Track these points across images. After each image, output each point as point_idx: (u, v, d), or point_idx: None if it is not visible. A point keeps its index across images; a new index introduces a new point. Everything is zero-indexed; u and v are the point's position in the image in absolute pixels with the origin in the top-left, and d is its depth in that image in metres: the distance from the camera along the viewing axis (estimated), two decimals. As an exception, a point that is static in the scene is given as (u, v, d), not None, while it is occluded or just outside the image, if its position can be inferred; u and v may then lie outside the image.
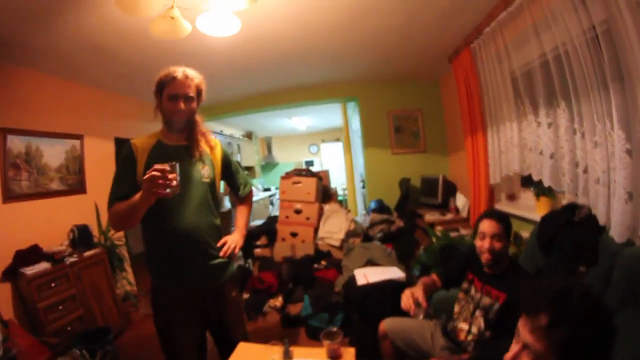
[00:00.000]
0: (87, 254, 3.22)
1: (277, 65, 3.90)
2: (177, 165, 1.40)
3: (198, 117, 1.77)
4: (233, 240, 1.84)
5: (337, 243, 3.85)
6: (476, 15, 2.91)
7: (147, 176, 1.34)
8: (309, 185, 4.19)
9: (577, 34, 1.92)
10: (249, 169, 8.76)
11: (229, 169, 1.94)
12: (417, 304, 1.77)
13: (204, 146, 1.81)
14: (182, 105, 1.63)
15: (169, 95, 1.62)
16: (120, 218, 1.54)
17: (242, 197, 2.05)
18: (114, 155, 4.10)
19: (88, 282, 3.14)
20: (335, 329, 1.77)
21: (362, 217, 4.60)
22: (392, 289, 2.59)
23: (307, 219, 4.10)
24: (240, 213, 2.04)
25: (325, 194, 4.41)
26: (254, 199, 7.23)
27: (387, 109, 5.21)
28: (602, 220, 1.86)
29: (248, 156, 8.60)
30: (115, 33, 2.66)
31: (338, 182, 8.45)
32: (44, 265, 2.87)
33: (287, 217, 4.15)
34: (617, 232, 1.74)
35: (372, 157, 5.27)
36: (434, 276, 2.10)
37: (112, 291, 3.36)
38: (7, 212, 2.93)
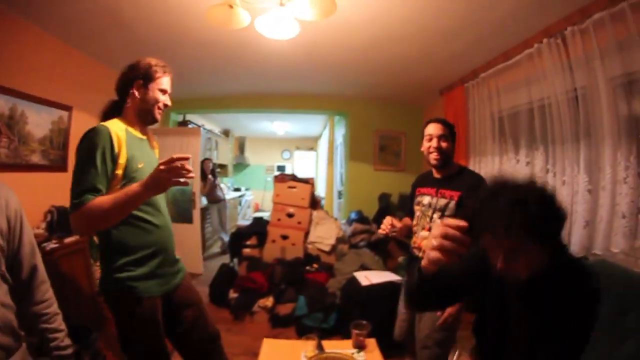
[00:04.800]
0: (69, 240, 2.88)
1: (281, 70, 4.07)
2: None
3: None
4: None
5: (327, 248, 4.06)
6: (476, 61, 3.37)
7: (167, 166, 1.29)
8: (304, 191, 4.39)
9: (561, 91, 2.44)
10: (222, 167, 8.77)
11: None
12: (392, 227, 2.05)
13: (156, 145, 1.89)
14: (169, 101, 1.70)
15: (161, 88, 1.65)
16: (102, 215, 1.36)
17: None
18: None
19: (67, 272, 2.83)
20: (364, 321, 1.95)
21: (343, 225, 4.84)
22: (392, 289, 2.86)
23: (299, 223, 4.28)
24: None
25: (313, 201, 4.61)
26: (227, 197, 7.26)
27: (374, 127, 5.53)
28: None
29: (223, 154, 8.61)
30: (141, 4, 2.56)
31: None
32: None
33: (279, 219, 4.30)
34: (574, 252, 2.24)
35: (355, 171, 5.56)
36: (405, 219, 2.30)
37: (91, 284, 3.02)
38: None
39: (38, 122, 3.03)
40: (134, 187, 1.37)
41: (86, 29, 3.00)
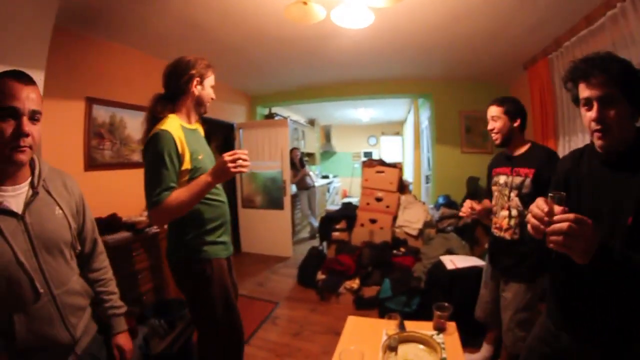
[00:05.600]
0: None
1: (364, 57, 4.11)
2: None
3: None
4: None
5: (414, 232, 4.06)
6: (558, 28, 3.10)
7: (231, 157, 1.54)
8: (392, 175, 4.41)
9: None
10: (310, 155, 9.05)
11: None
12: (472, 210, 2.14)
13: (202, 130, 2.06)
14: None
15: (211, 84, 1.86)
16: (181, 205, 1.58)
17: None
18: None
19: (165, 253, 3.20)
20: (446, 303, 1.97)
21: (430, 210, 4.78)
22: (477, 273, 2.80)
23: (387, 207, 4.32)
24: None
25: (401, 186, 4.61)
26: (316, 184, 7.52)
27: (459, 108, 5.33)
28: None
29: (310, 143, 8.89)
30: (216, 11, 2.78)
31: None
32: (124, 234, 2.91)
33: (368, 204, 4.38)
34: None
35: (442, 154, 5.42)
36: (485, 201, 2.36)
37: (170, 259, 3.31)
38: (88, 180, 3.05)
39: (135, 126, 3.48)
40: (203, 178, 1.60)
41: (169, 41, 3.37)
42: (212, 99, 1.88)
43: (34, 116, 1.08)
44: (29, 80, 1.08)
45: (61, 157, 2.84)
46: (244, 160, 1.56)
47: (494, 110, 2.12)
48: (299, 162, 6.55)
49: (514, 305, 2.06)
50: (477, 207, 2.14)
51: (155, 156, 1.60)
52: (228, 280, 1.87)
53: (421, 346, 1.77)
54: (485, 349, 2.52)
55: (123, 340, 1.45)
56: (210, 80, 1.85)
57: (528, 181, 1.98)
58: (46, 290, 1.12)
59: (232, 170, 1.55)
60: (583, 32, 2.83)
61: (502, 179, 2.13)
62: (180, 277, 1.84)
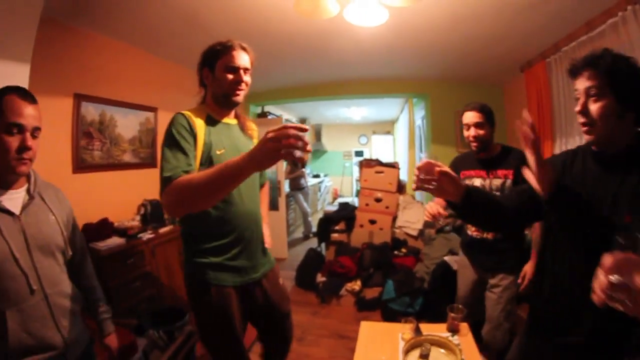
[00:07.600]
0: (163, 230, 3.14)
1: (363, 57, 4.05)
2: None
3: None
4: (268, 230, 1.87)
5: (414, 233, 4.03)
6: (558, 33, 3.11)
7: (278, 133, 0.97)
8: (391, 176, 4.35)
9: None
10: (301, 154, 9.00)
11: None
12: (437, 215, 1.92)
13: (251, 128, 1.78)
14: (242, 76, 1.54)
15: (228, 66, 1.51)
16: (193, 187, 1.17)
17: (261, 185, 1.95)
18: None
19: (162, 260, 3.05)
20: (460, 305, 2.00)
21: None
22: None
23: (387, 207, 4.27)
24: (264, 203, 1.95)
25: (399, 186, 4.57)
26: (309, 183, 7.44)
27: (455, 108, 5.32)
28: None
29: (301, 142, 8.82)
30: (214, 4, 2.62)
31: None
32: (117, 241, 2.74)
33: (367, 204, 4.32)
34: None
35: (437, 153, 5.38)
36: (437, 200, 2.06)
37: (182, 270, 3.13)
38: (77, 183, 2.84)
39: (126, 124, 3.30)
40: (235, 158, 1.09)
41: (163, 35, 3.20)
42: (235, 81, 1.52)
43: (34, 132, 1.19)
44: (32, 100, 1.20)
45: (48, 158, 2.54)
46: (298, 140, 0.98)
47: (475, 117, 2.05)
48: (300, 162, 6.48)
49: (505, 297, 2.11)
50: (444, 212, 1.90)
51: (170, 136, 1.39)
52: (234, 318, 1.55)
53: (442, 350, 1.75)
54: None
55: (112, 340, 1.58)
56: (223, 61, 1.51)
57: (509, 182, 2.02)
58: (39, 288, 1.19)
59: (279, 152, 0.98)
60: (582, 37, 2.86)
61: (477, 181, 2.12)
62: (187, 294, 1.65)
